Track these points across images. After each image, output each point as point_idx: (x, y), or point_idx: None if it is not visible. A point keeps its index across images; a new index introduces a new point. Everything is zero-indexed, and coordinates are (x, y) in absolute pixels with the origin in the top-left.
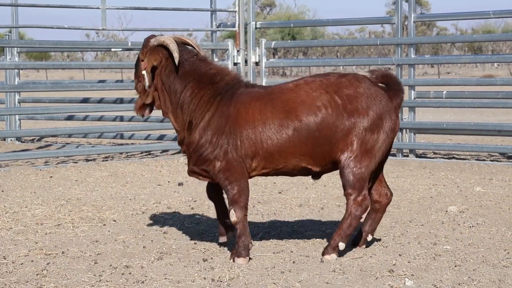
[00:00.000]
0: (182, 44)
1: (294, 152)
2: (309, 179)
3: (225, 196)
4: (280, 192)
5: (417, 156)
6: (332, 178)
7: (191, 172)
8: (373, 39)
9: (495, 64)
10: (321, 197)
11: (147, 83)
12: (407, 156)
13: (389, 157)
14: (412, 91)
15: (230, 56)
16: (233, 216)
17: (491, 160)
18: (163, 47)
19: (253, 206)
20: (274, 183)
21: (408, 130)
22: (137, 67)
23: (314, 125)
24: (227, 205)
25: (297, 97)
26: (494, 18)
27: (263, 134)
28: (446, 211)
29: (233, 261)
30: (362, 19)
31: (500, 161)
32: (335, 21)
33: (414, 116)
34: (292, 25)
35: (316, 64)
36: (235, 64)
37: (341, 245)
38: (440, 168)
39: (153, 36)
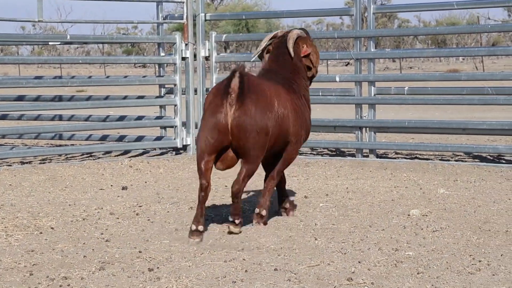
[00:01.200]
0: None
1: None
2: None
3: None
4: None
5: (378, 156)
6: (289, 181)
7: None
8: (330, 32)
9: (460, 58)
10: (277, 201)
11: None
12: (367, 156)
13: (348, 158)
14: (372, 87)
15: (178, 50)
16: None
17: (456, 160)
18: None
19: None
20: (226, 186)
21: (367, 128)
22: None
23: None
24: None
25: None
26: (458, 9)
27: None
28: (409, 215)
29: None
30: (319, 10)
31: (465, 161)
32: (291, 13)
33: (374, 114)
34: (244, 17)
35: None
36: (183, 58)
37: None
38: (402, 169)
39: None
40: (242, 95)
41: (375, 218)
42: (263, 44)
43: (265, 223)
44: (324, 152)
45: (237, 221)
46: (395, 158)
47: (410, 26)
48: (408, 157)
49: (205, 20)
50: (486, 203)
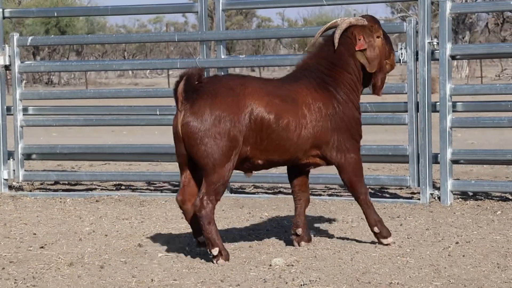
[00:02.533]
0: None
1: None
2: (85, 227)
3: None
4: (42, 247)
5: (232, 191)
6: (116, 225)
7: None
8: (170, 34)
9: None
10: (101, 251)
11: None
12: None
13: None
14: None
15: None
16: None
17: (329, 195)
18: None
19: (3, 268)
20: (35, 234)
21: None
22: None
23: None
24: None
25: None
26: (328, 5)
27: None
28: (270, 265)
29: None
30: (154, 6)
31: (341, 196)
32: (118, 9)
33: None
34: (56, 14)
35: (92, 68)
36: None
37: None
38: (263, 207)
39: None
40: (189, 98)
41: (228, 270)
42: (316, 36)
43: (385, 237)
44: (164, 187)
45: (214, 252)
46: (254, 193)
47: (272, 26)
48: (270, 191)
49: (4, 17)
50: (365, 249)
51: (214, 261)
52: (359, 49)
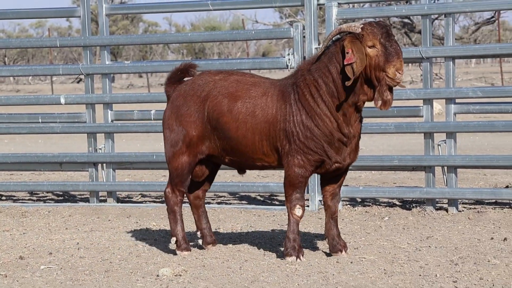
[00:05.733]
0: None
1: None
2: None
3: None
4: None
5: (119, 200)
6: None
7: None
8: (51, 39)
9: None
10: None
11: None
12: (105, 201)
13: (80, 204)
14: (109, 111)
15: None
16: None
17: (218, 203)
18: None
19: None
20: None
21: (104, 164)
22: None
23: None
24: None
25: None
26: (215, 10)
27: None
28: (158, 276)
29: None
30: (35, 10)
31: (230, 204)
32: None
33: (113, 146)
34: None
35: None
36: None
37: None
38: (150, 216)
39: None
40: (169, 92)
41: (114, 281)
42: (325, 43)
43: (284, 254)
44: (47, 197)
45: (172, 241)
46: (141, 202)
47: (160, 31)
48: (158, 200)
49: None
50: (254, 257)
51: (179, 251)
52: (347, 63)
